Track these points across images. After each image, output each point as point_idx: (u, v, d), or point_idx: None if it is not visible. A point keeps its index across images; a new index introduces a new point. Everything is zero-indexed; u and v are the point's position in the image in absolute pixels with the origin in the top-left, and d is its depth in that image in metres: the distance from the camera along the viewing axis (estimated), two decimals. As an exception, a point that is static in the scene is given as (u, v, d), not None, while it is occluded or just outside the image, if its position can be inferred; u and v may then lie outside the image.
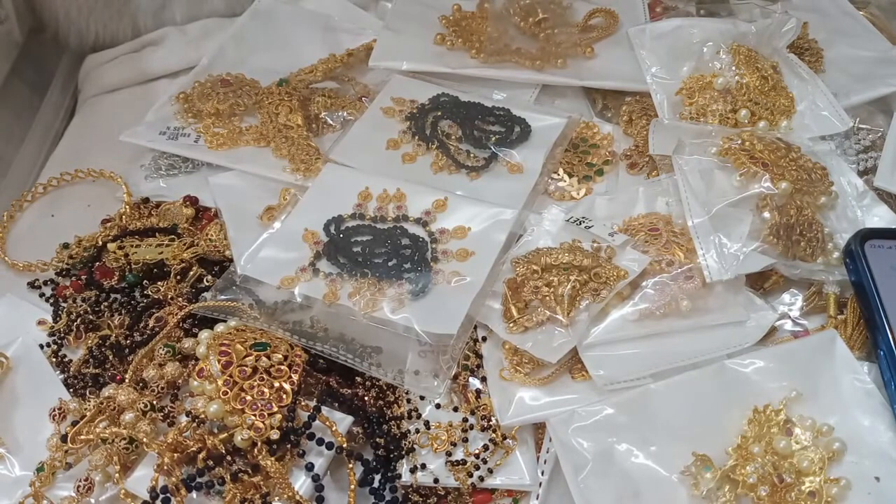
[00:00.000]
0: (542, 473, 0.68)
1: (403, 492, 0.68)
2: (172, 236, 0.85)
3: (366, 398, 0.71)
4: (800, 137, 0.85)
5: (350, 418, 0.69)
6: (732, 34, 0.92)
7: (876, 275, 0.72)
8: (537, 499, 0.68)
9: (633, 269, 0.74)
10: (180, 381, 0.73)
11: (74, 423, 0.69)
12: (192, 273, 0.83)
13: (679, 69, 0.92)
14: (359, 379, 0.72)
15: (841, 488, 0.62)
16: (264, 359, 0.67)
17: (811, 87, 0.90)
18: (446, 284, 0.75)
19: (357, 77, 1.02)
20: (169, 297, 0.80)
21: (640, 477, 0.64)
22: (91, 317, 0.79)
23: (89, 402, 0.70)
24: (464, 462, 0.68)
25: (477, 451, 0.69)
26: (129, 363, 0.74)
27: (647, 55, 0.94)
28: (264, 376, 0.67)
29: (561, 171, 0.88)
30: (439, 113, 0.92)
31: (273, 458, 0.64)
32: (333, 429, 0.66)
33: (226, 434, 0.64)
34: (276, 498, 0.64)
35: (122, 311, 0.80)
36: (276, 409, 0.65)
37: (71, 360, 0.77)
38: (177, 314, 0.76)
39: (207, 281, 0.82)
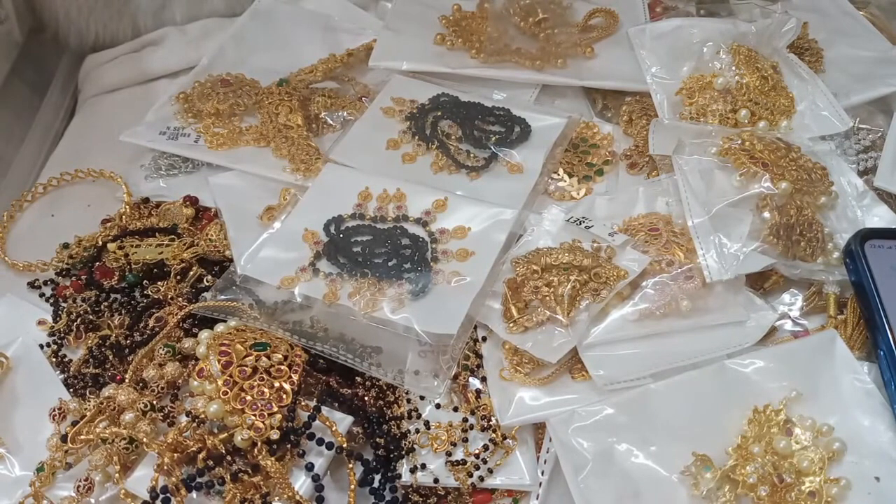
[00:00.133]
0: (542, 473, 0.68)
1: (403, 492, 0.68)
2: (172, 236, 0.85)
3: (366, 398, 0.71)
4: (800, 137, 0.85)
5: (350, 418, 0.69)
6: (732, 34, 0.92)
7: (876, 275, 0.72)
8: (537, 499, 0.68)
9: (633, 269, 0.74)
10: (180, 381, 0.73)
11: (74, 423, 0.69)
12: (192, 273, 0.83)
13: (679, 69, 0.92)
14: (359, 379, 0.72)
15: (841, 488, 0.62)
16: (264, 359, 0.67)
17: (811, 87, 0.90)
18: (446, 284, 0.75)
19: (357, 77, 1.02)
20: (169, 297, 0.80)
21: (640, 477, 0.64)
22: (91, 317, 0.79)
23: (89, 402, 0.70)
24: (464, 462, 0.68)
25: (477, 451, 0.69)
26: (129, 363, 0.74)
27: (647, 55, 0.94)
28: (264, 376, 0.67)
29: (561, 171, 0.88)
30: (439, 113, 0.92)
31: (273, 458, 0.64)
32: (333, 429, 0.66)
33: (226, 434, 0.64)
34: (276, 498, 0.64)
35: (122, 311, 0.80)
36: (276, 409, 0.65)
37: (71, 360, 0.77)
38: (177, 314, 0.76)
39: (207, 281, 0.82)
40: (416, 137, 0.89)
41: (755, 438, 0.64)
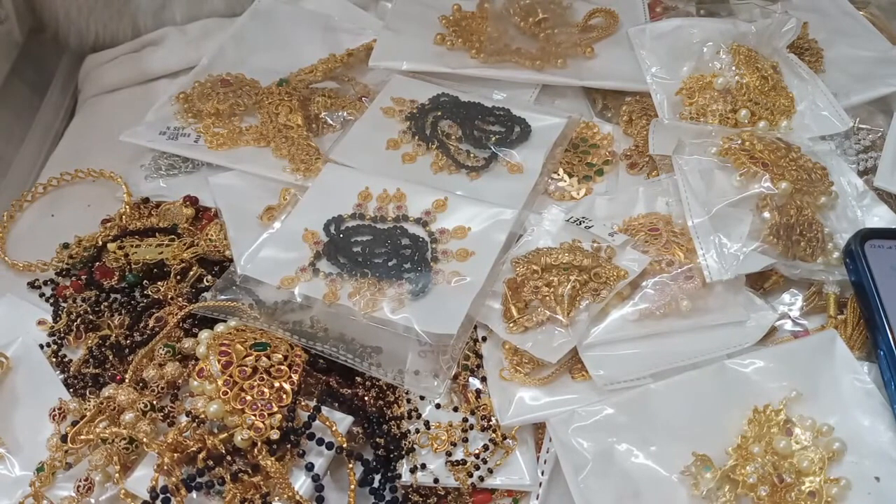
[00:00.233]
0: (542, 473, 0.68)
1: (403, 492, 0.68)
2: (172, 236, 0.85)
3: (366, 398, 0.71)
4: (800, 137, 0.85)
5: (350, 418, 0.69)
6: (732, 34, 0.92)
7: (876, 275, 0.72)
8: (537, 499, 0.68)
9: (633, 269, 0.74)
10: (180, 381, 0.73)
11: (74, 423, 0.69)
12: (192, 273, 0.83)
13: (679, 69, 0.92)
14: (359, 379, 0.72)
15: (841, 488, 0.62)
16: (264, 359, 0.67)
17: (811, 87, 0.90)
18: (446, 284, 0.75)
19: (357, 77, 1.02)
20: (169, 297, 0.80)
21: (640, 477, 0.64)
22: (91, 317, 0.79)
23: (89, 402, 0.70)
24: (464, 462, 0.68)
25: (477, 451, 0.69)
26: (129, 363, 0.74)
27: (647, 55, 0.94)
28: (264, 376, 0.67)
29: (561, 171, 0.88)
30: (439, 113, 0.92)
31: (273, 458, 0.64)
32: (333, 429, 0.66)
33: (226, 434, 0.64)
34: (276, 498, 0.64)
35: (122, 311, 0.80)
36: (276, 409, 0.65)
37: (71, 360, 0.77)
38: (177, 314, 0.76)
39: (207, 281, 0.82)
40: (416, 137, 0.89)
41: (755, 438, 0.64)
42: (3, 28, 1.11)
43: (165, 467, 0.63)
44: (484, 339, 0.74)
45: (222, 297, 0.76)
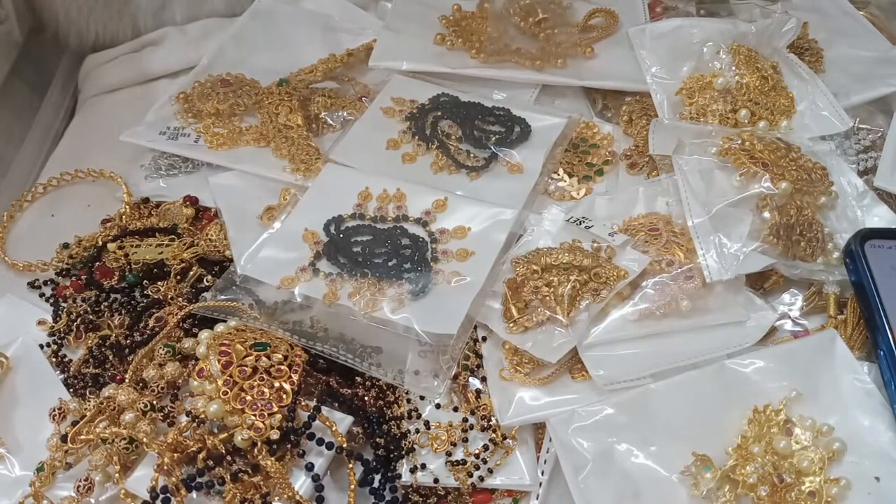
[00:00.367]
0: (542, 473, 0.68)
1: (403, 492, 0.68)
2: (172, 236, 0.85)
3: (366, 398, 0.71)
4: (800, 137, 0.85)
5: (350, 418, 0.69)
6: (732, 34, 0.92)
7: (876, 275, 0.72)
8: (537, 499, 0.68)
9: (633, 269, 0.74)
10: (180, 381, 0.73)
11: (74, 423, 0.69)
12: (192, 273, 0.83)
13: (679, 69, 0.92)
14: (359, 379, 0.72)
15: (841, 488, 0.62)
16: (264, 359, 0.67)
17: (811, 87, 0.90)
18: (446, 284, 0.75)
19: (357, 77, 1.02)
20: (169, 297, 0.80)
21: (640, 477, 0.64)
22: (91, 317, 0.79)
23: (89, 402, 0.70)
24: (464, 462, 0.68)
25: (477, 451, 0.69)
26: (129, 363, 0.74)
27: (647, 55, 0.94)
28: (264, 376, 0.67)
29: (561, 171, 0.88)
30: (439, 113, 0.92)
31: (273, 458, 0.64)
32: (333, 429, 0.66)
33: (226, 434, 0.64)
34: (276, 498, 0.64)
35: (122, 311, 0.80)
36: (276, 409, 0.65)
37: (71, 360, 0.77)
38: (177, 314, 0.76)
39: (207, 281, 0.82)
40: (416, 137, 0.89)
41: (755, 438, 0.64)
42: (3, 28, 1.11)
43: (165, 467, 0.63)
44: (484, 339, 0.74)
45: (222, 297, 0.76)
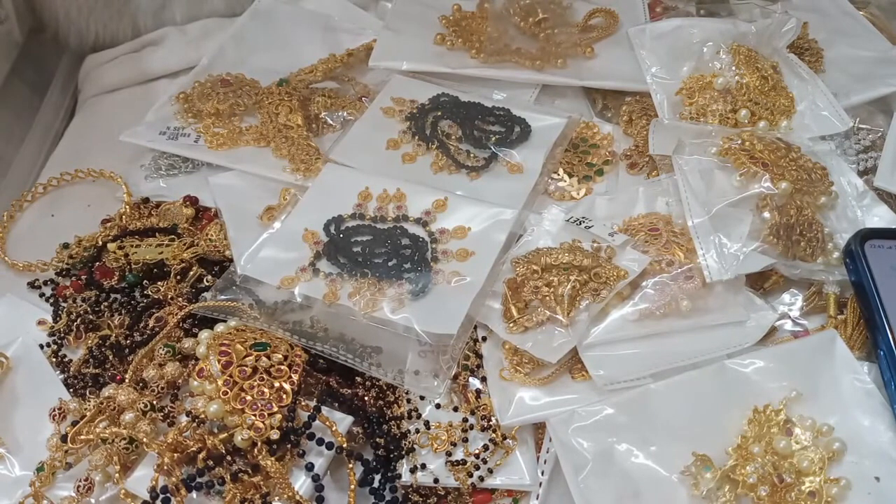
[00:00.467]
0: (542, 473, 0.68)
1: (403, 492, 0.68)
2: (172, 236, 0.85)
3: (366, 398, 0.71)
4: (800, 137, 0.85)
5: (350, 418, 0.69)
6: (732, 34, 0.92)
7: (876, 275, 0.72)
8: (537, 499, 0.68)
9: (633, 269, 0.74)
10: (180, 381, 0.73)
11: (74, 423, 0.69)
12: (192, 273, 0.83)
13: (679, 69, 0.92)
14: (359, 379, 0.72)
15: (841, 488, 0.62)
16: (264, 359, 0.67)
17: (811, 87, 0.90)
18: (446, 284, 0.75)
19: (357, 77, 1.02)
20: (169, 297, 0.80)
21: (640, 477, 0.64)
22: (91, 317, 0.79)
23: (89, 402, 0.70)
24: (464, 462, 0.68)
25: (477, 451, 0.69)
26: (129, 363, 0.74)
27: (647, 55, 0.94)
28: (264, 376, 0.67)
29: (561, 171, 0.88)
30: (439, 113, 0.92)
31: (273, 458, 0.64)
32: (333, 429, 0.66)
33: (226, 434, 0.64)
34: (276, 498, 0.64)
35: (122, 311, 0.80)
36: (276, 409, 0.65)
37: (71, 360, 0.77)
38: (177, 314, 0.76)
39: (207, 281, 0.82)
40: (416, 137, 0.89)
41: (755, 438, 0.64)
42: (3, 28, 1.11)
43: (165, 467, 0.63)
44: (484, 339, 0.74)
45: (222, 297, 0.76)
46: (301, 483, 0.64)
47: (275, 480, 0.63)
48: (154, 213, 0.90)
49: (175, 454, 0.64)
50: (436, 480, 0.68)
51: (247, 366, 0.67)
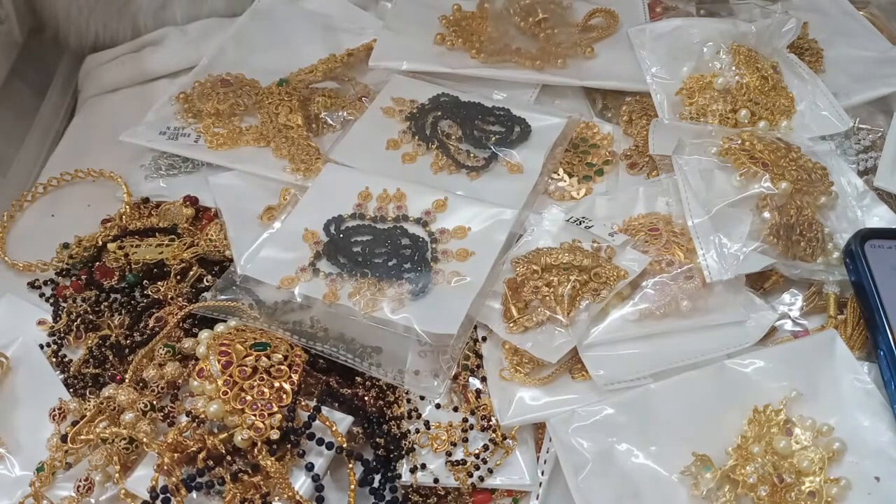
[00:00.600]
0: (542, 473, 0.68)
1: (403, 492, 0.68)
2: (172, 236, 0.85)
3: (366, 398, 0.71)
4: (800, 137, 0.85)
5: (350, 418, 0.69)
6: (732, 34, 0.92)
7: (876, 275, 0.72)
8: (537, 499, 0.68)
9: (633, 269, 0.74)
10: (180, 381, 0.73)
11: (74, 423, 0.69)
12: (192, 273, 0.83)
13: (679, 69, 0.92)
14: (359, 379, 0.72)
15: (841, 488, 0.62)
16: (264, 359, 0.67)
17: (811, 87, 0.90)
18: (446, 284, 0.75)
19: (357, 77, 1.02)
20: (169, 297, 0.80)
21: (640, 477, 0.64)
22: (91, 317, 0.79)
23: (89, 402, 0.70)
24: (464, 462, 0.68)
25: (477, 451, 0.69)
26: (129, 363, 0.74)
27: (647, 55, 0.94)
28: (264, 376, 0.67)
29: (561, 171, 0.88)
30: (439, 113, 0.92)
31: (273, 458, 0.64)
32: (333, 429, 0.66)
33: (226, 434, 0.64)
34: (276, 498, 0.64)
35: (122, 311, 0.80)
36: (276, 409, 0.65)
37: (71, 360, 0.77)
38: (177, 314, 0.76)
39: (207, 281, 0.82)
40: (416, 137, 0.89)
41: (755, 438, 0.64)
42: (3, 28, 1.11)
43: (165, 467, 0.63)
44: (484, 339, 0.74)
45: (222, 297, 0.76)
46: (301, 483, 0.64)
47: (275, 480, 0.63)
48: (154, 213, 0.90)
49: (175, 454, 0.64)
50: (436, 480, 0.68)
51: (247, 366, 0.67)
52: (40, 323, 0.81)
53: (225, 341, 0.68)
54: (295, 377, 0.67)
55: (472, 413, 0.71)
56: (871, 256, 0.73)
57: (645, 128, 0.88)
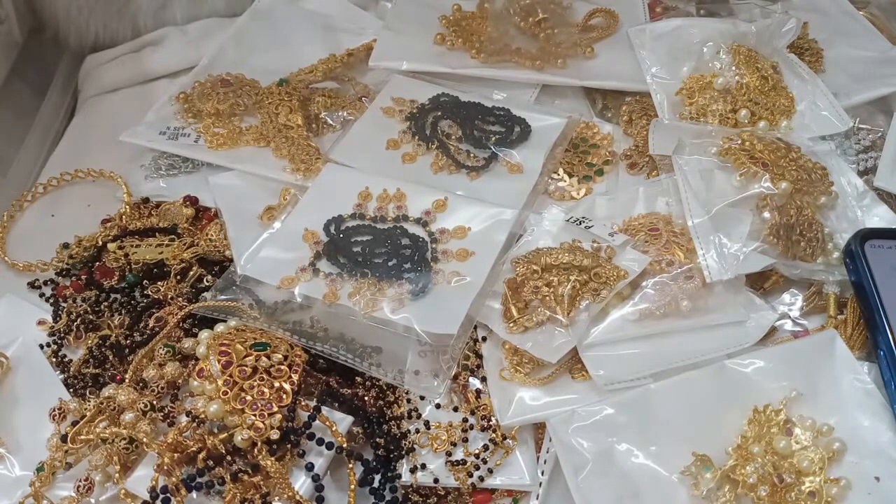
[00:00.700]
0: (542, 473, 0.68)
1: (403, 492, 0.68)
2: (172, 236, 0.85)
3: (366, 398, 0.71)
4: (800, 137, 0.85)
5: (350, 418, 0.69)
6: (732, 34, 0.92)
7: (876, 275, 0.72)
8: (537, 499, 0.68)
9: (633, 269, 0.74)
10: (180, 381, 0.73)
11: (74, 423, 0.69)
12: (192, 273, 0.83)
13: (679, 69, 0.92)
14: (359, 379, 0.72)
15: (841, 488, 0.62)
16: (264, 359, 0.67)
17: (811, 87, 0.90)
18: (446, 284, 0.75)
19: (357, 77, 1.02)
20: (169, 297, 0.80)
21: (640, 477, 0.64)
22: (91, 317, 0.79)
23: (89, 402, 0.70)
24: (464, 462, 0.68)
25: (477, 451, 0.69)
26: (129, 363, 0.74)
27: (647, 55, 0.94)
28: (264, 376, 0.67)
29: (561, 171, 0.88)
30: (439, 113, 0.92)
31: (273, 458, 0.64)
32: (333, 429, 0.66)
33: (226, 434, 0.64)
34: (276, 498, 0.64)
35: (122, 311, 0.80)
36: (276, 409, 0.65)
37: (71, 360, 0.77)
38: (177, 314, 0.76)
39: (207, 281, 0.82)
40: (416, 137, 0.89)
41: (755, 438, 0.64)
42: (3, 28, 1.11)
43: (165, 467, 0.63)
44: (484, 339, 0.74)
45: (222, 297, 0.76)
46: (301, 483, 0.64)
47: (275, 480, 0.63)
48: (154, 213, 0.90)
49: (175, 454, 0.64)
50: (436, 480, 0.68)
51: (247, 366, 0.67)
52: (40, 323, 0.81)
53: (225, 341, 0.68)
54: (295, 377, 0.67)
55: (472, 413, 0.71)
56: (871, 256, 0.73)
57: (645, 128, 0.88)
